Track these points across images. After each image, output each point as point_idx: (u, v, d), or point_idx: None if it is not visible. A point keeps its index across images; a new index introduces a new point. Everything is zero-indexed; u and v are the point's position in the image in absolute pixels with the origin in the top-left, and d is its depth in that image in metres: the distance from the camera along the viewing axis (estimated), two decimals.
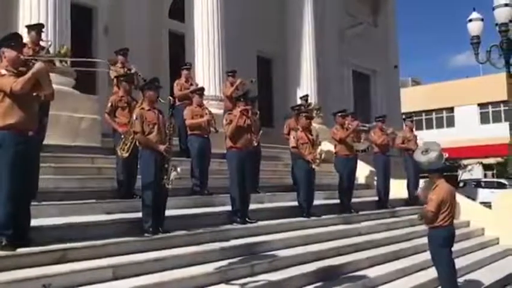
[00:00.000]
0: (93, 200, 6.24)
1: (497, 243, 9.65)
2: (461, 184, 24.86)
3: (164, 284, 4.54)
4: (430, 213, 5.67)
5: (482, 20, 10.65)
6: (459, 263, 6.83)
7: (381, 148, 9.78)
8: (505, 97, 11.14)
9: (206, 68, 11.12)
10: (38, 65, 4.47)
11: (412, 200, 10.34)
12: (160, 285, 4.51)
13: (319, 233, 7.17)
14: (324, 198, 9.17)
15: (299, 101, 11.96)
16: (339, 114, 8.84)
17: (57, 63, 4.56)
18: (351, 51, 18.17)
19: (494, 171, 31.47)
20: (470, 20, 10.65)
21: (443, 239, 5.71)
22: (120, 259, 4.74)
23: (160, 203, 5.54)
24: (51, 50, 6.76)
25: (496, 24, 10.37)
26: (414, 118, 22.01)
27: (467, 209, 10.31)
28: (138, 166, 6.19)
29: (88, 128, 8.19)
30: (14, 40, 4.55)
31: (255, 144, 7.92)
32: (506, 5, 10.04)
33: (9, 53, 4.45)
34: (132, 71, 7.82)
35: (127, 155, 6.31)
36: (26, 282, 3.95)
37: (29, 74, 4.42)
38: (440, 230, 5.69)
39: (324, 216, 7.83)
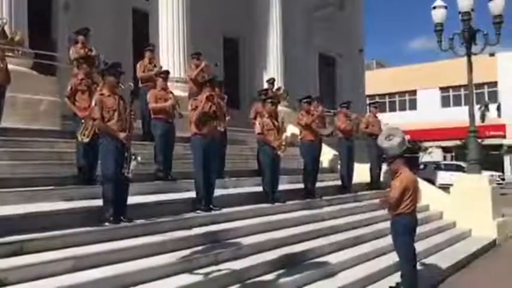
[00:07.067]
0: (52, 187, 6.07)
1: (454, 226, 9.98)
2: (421, 166, 25.56)
3: (126, 275, 4.47)
4: (393, 199, 5.74)
5: (446, 7, 10.80)
6: (418, 247, 6.99)
7: (344, 133, 9.89)
8: (465, 81, 11.31)
9: (171, 49, 10.90)
10: None
11: (375, 184, 10.56)
12: (122, 276, 4.44)
13: (282, 219, 7.21)
14: (288, 182, 9.23)
15: (265, 84, 11.94)
16: (305, 100, 8.86)
17: (10, 53, 4.34)
18: (318, 33, 18.18)
19: (453, 154, 32.46)
20: (434, 7, 10.80)
21: (405, 226, 5.79)
22: (81, 250, 4.64)
23: (121, 191, 5.43)
24: (6, 29, 6.46)
25: (459, 13, 10.54)
26: (378, 100, 22.43)
27: (427, 193, 10.55)
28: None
29: (47, 111, 7.94)
30: None
31: (222, 130, 7.88)
32: None
33: None
34: (93, 53, 7.58)
35: (88, 140, 6.15)
36: None
37: None
38: (402, 217, 5.76)
39: (288, 202, 7.87)
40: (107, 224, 5.30)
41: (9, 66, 6.32)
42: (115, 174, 5.37)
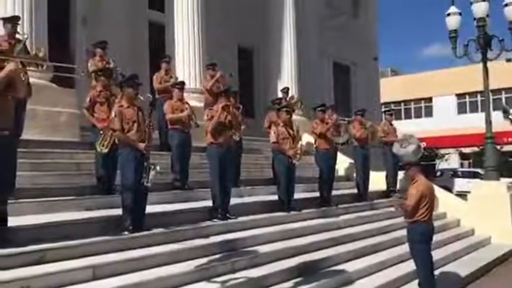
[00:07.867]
0: (72, 197, 6.19)
1: (473, 234, 9.87)
2: (438, 173, 25.28)
3: (145, 284, 4.54)
4: (409, 207, 5.72)
5: (460, 14, 10.78)
6: (436, 255, 6.94)
7: (360, 142, 9.89)
8: (481, 87, 11.23)
9: (186, 60, 11.04)
10: (9, 66, 4.33)
11: (391, 192, 10.51)
12: (141, 285, 4.51)
13: (299, 227, 7.23)
14: (303, 190, 9.25)
15: (280, 94, 11.99)
16: (319, 109, 8.90)
17: (33, 67, 4.48)
18: (332, 42, 18.21)
19: (471, 161, 32.04)
20: (449, 14, 10.78)
21: (421, 234, 5.76)
22: (100, 258, 4.72)
23: (140, 201, 5.51)
24: (27, 43, 6.62)
25: (474, 19, 10.51)
26: (393, 107, 22.37)
27: (444, 201, 10.48)
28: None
29: (67, 122, 8.09)
30: None
31: (237, 139, 7.95)
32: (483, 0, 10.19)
33: None
34: (111, 65, 7.73)
35: (106, 150, 6.27)
36: (4, 285, 3.90)
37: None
38: (418, 224, 5.74)
39: (304, 211, 7.89)
40: (125, 233, 5.37)
41: (30, 80, 6.48)
42: (134, 183, 5.45)
